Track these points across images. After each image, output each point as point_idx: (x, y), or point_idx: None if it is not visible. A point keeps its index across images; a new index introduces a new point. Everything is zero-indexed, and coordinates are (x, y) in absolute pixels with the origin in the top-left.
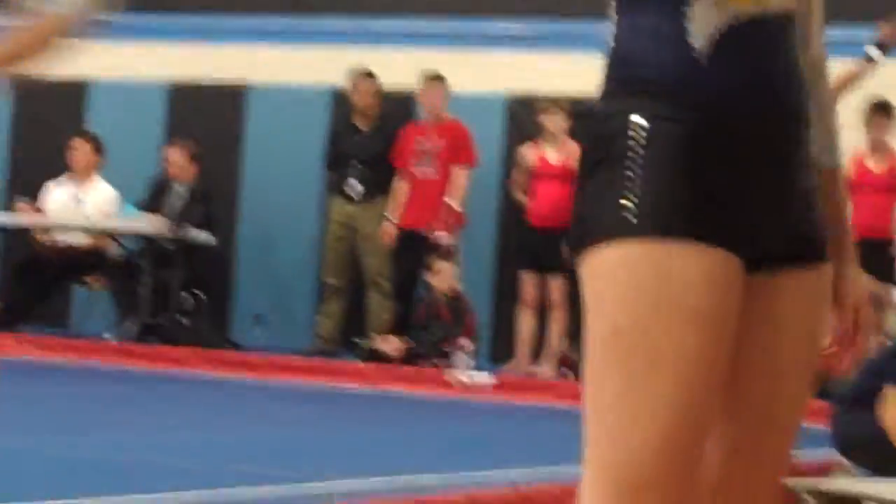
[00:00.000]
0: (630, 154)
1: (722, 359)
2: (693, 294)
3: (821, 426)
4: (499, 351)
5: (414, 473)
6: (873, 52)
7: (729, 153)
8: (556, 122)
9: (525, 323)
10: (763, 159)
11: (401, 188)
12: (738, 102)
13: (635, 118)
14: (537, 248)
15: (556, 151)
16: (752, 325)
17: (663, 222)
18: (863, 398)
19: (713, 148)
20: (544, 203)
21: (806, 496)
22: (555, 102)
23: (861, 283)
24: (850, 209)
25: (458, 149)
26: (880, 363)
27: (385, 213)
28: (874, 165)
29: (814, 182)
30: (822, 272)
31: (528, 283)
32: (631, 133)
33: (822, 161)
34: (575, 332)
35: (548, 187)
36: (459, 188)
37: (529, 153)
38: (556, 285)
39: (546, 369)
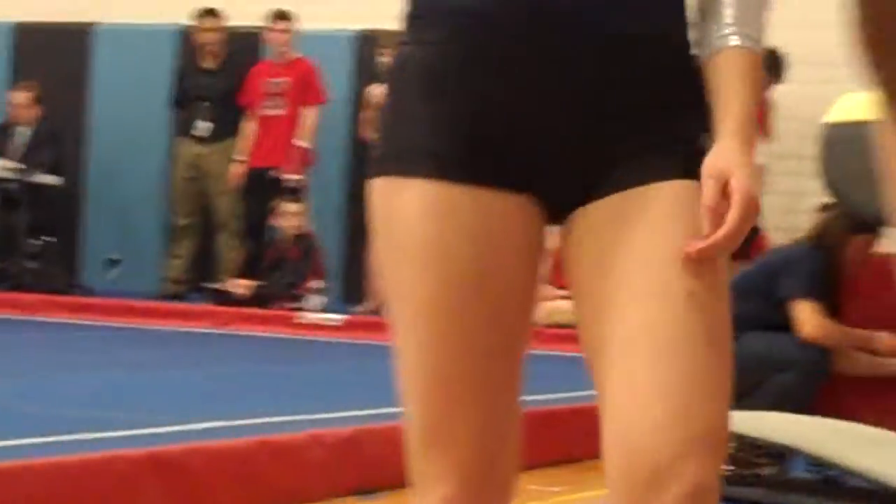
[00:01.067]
0: (388, 87)
1: (467, 297)
2: (407, 233)
3: None
4: (351, 292)
5: (261, 415)
6: None
7: (477, 76)
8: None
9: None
10: (529, 81)
11: (249, 128)
12: (489, 16)
13: (400, 49)
14: None
15: None
16: (574, 263)
17: (390, 160)
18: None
19: (453, 73)
20: None
21: None
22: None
23: (728, 156)
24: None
25: (305, 87)
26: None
27: (233, 154)
28: None
29: (642, 98)
30: (645, 192)
31: None
32: (393, 64)
33: (713, 45)
34: None
35: None
36: (308, 127)
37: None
38: None
39: None
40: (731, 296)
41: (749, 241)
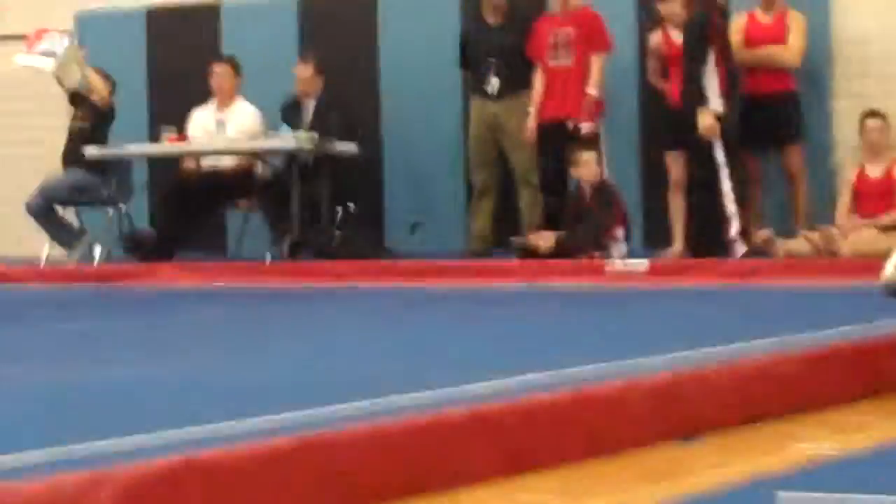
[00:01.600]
0: None
1: None
2: None
3: None
4: (651, 237)
5: (578, 363)
6: None
7: None
8: (671, 9)
9: (676, 204)
10: None
11: (538, 80)
12: None
13: None
14: (680, 128)
15: (680, 34)
16: None
17: None
18: None
19: None
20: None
21: None
22: None
23: None
24: None
25: (592, 36)
26: None
27: (526, 108)
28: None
29: None
30: None
31: (675, 164)
32: None
33: None
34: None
35: (679, 69)
36: (597, 75)
37: (657, 39)
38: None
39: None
40: None
41: None
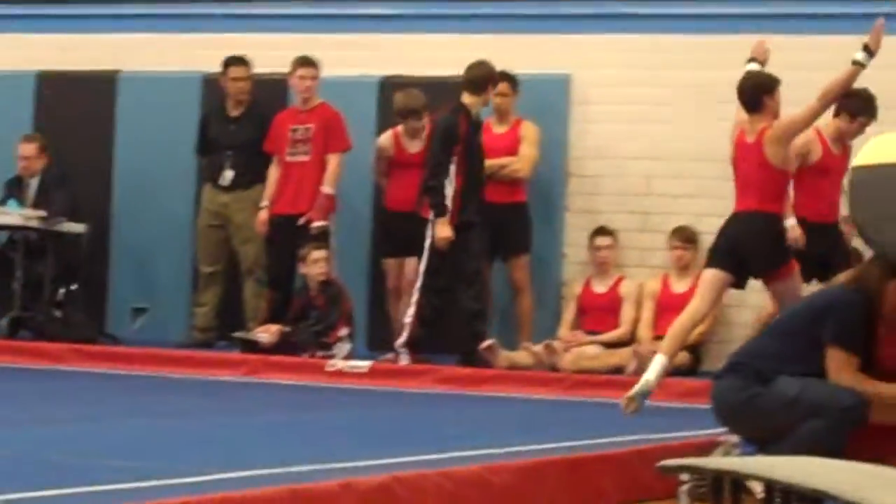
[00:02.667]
0: None
1: None
2: None
3: (702, 405)
4: (375, 339)
5: (292, 463)
6: (860, 55)
7: None
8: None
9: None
10: None
11: (273, 174)
12: None
13: None
14: (399, 233)
15: (412, 143)
16: None
17: None
18: (753, 366)
19: None
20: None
21: (683, 476)
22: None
23: None
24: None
25: (330, 134)
26: (777, 327)
27: (258, 201)
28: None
29: None
30: None
31: (392, 270)
32: None
33: None
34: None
35: (406, 174)
36: (333, 174)
37: (388, 140)
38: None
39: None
40: (773, 335)
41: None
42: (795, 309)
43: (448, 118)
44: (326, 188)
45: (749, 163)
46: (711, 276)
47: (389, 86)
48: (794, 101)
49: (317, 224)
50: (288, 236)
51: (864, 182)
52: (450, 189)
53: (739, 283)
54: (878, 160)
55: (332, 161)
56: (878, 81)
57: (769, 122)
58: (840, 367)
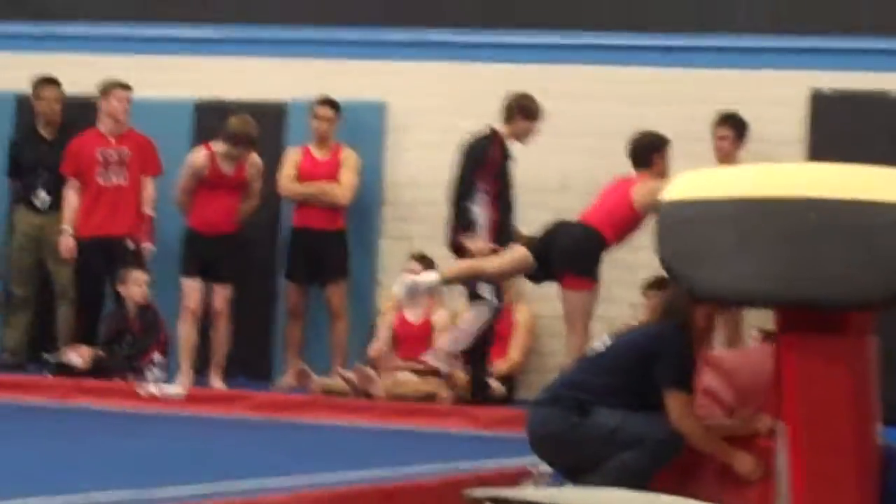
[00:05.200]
0: None
1: None
2: None
3: (515, 434)
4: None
5: (101, 489)
6: None
7: None
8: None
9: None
10: None
11: (71, 197)
12: None
13: None
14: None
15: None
16: None
17: None
18: (574, 397)
19: None
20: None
21: None
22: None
23: None
24: None
25: (143, 158)
26: (599, 363)
27: (63, 225)
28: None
29: None
30: None
31: (192, 291)
32: None
33: None
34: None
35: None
36: (148, 197)
37: (201, 158)
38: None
39: (215, 381)
40: (596, 371)
41: None
42: (619, 348)
43: (480, 141)
44: (147, 210)
45: (616, 192)
46: (522, 250)
47: (205, 109)
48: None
49: (146, 245)
50: (99, 259)
51: (670, 219)
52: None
53: (539, 276)
54: (687, 196)
55: (149, 185)
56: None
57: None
58: (683, 412)
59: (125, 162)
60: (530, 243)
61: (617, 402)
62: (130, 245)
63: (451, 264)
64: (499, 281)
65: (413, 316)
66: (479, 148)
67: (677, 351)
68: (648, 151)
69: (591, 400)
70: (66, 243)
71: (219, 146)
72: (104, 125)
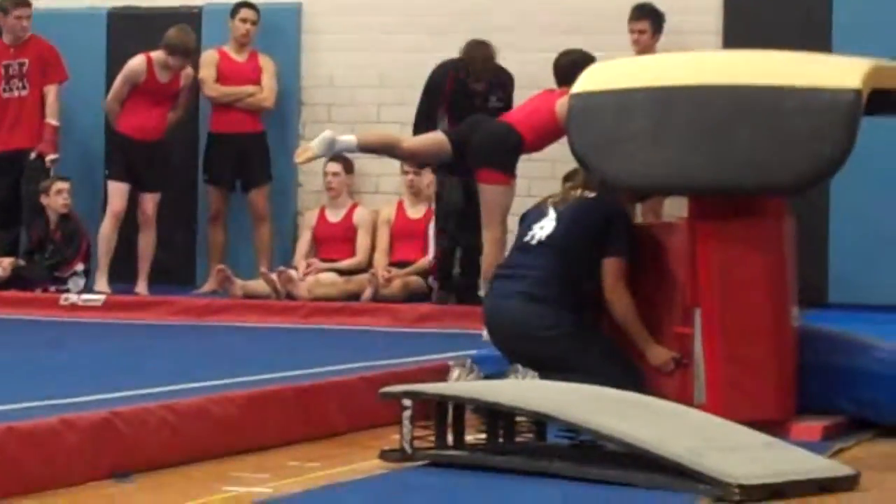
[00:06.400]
0: None
1: None
2: None
3: (438, 330)
4: (111, 272)
5: (9, 401)
6: None
7: None
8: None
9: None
10: None
11: None
12: None
13: None
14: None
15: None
16: None
17: None
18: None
19: None
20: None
21: (406, 402)
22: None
23: None
24: None
25: (48, 67)
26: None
27: None
28: None
29: None
30: None
31: (118, 195)
32: None
33: None
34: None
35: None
36: (54, 106)
37: (140, 65)
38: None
39: (141, 287)
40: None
41: None
42: (567, 226)
43: (438, 72)
44: (52, 120)
45: (540, 100)
46: (440, 135)
47: (118, 17)
48: None
49: (51, 157)
50: (13, 171)
51: (581, 110)
52: None
53: (456, 168)
54: (594, 87)
55: (52, 93)
56: None
57: None
58: (618, 277)
59: (25, 73)
60: (449, 135)
61: (589, 288)
62: (42, 156)
63: (369, 132)
64: (413, 162)
65: (334, 216)
66: (438, 76)
67: (627, 223)
68: (572, 69)
69: (569, 292)
70: None
71: (158, 55)
72: (6, 37)
